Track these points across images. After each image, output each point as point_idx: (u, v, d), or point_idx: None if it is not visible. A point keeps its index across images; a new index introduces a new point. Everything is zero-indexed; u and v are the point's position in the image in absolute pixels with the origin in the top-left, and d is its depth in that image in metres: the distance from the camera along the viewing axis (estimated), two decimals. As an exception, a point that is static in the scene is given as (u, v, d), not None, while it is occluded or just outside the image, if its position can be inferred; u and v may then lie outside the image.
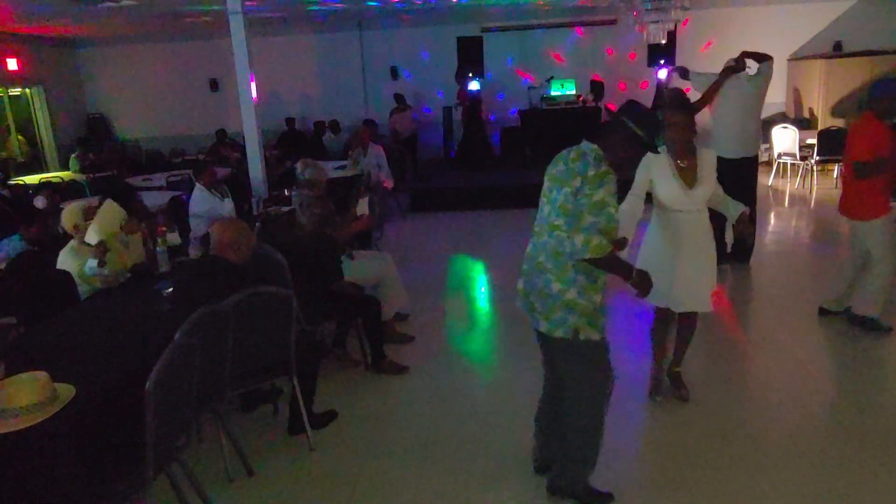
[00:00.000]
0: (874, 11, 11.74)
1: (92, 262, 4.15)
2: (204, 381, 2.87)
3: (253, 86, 7.55)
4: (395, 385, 4.36)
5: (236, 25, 7.35)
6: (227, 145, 11.64)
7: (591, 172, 2.57)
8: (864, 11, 11.80)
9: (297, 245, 4.28)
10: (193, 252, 4.87)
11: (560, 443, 2.96)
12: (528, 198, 10.02)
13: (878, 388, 4.05)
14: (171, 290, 3.82)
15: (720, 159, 5.89)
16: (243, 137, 7.87)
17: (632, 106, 2.74)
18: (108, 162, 11.13)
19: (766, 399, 3.90)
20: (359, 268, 4.79)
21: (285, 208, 6.38)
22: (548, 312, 2.71)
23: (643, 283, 2.77)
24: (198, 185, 6.44)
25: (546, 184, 2.80)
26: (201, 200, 6.30)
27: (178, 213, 6.72)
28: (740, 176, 5.96)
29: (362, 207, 5.26)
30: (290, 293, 3.43)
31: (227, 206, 6.37)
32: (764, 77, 5.99)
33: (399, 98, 12.27)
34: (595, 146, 2.68)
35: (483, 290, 6.57)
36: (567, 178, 2.64)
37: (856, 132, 4.56)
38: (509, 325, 5.27)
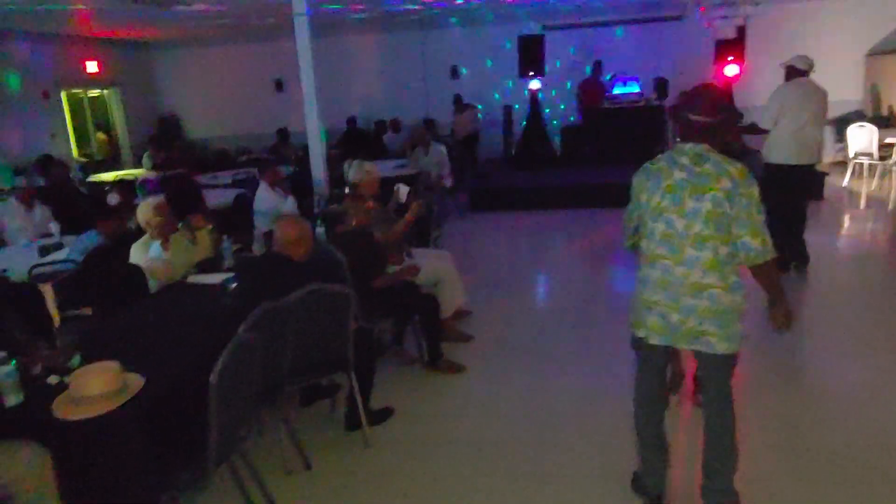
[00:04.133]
0: (962, 2, 11.07)
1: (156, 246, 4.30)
2: (265, 375, 2.94)
3: (316, 86, 7.68)
4: (451, 384, 4.36)
5: (300, 27, 7.50)
6: (288, 145, 11.90)
7: (732, 169, 2.50)
8: (951, 2, 11.16)
9: (338, 243, 4.31)
10: (257, 248, 5.00)
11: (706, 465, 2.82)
12: (589, 198, 9.94)
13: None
14: (235, 285, 3.93)
15: (778, 166, 5.66)
16: (306, 136, 8.02)
17: (715, 100, 2.61)
18: (178, 160, 11.52)
19: (831, 410, 3.74)
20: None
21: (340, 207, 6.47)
22: (725, 329, 2.57)
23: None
24: (262, 183, 6.60)
25: (661, 198, 2.59)
26: (265, 198, 6.46)
27: (243, 210, 6.91)
28: (794, 183, 5.75)
29: (401, 195, 5.13)
30: (348, 291, 3.47)
31: (290, 204, 6.51)
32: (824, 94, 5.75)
33: (457, 99, 12.23)
34: (702, 145, 2.57)
35: (542, 290, 6.51)
36: (706, 183, 2.50)
37: None
38: (569, 327, 5.21)
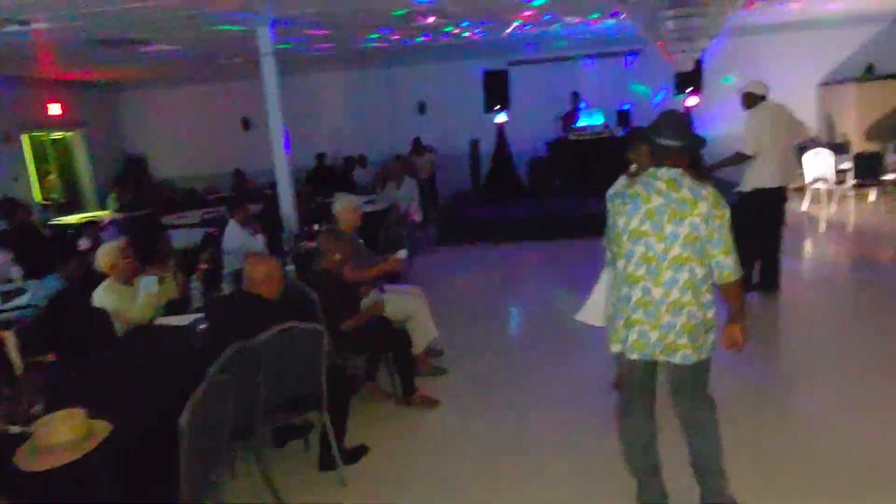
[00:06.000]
0: (907, 33, 11.60)
1: (150, 280, 4.27)
2: (236, 417, 2.89)
3: (282, 125, 7.70)
4: (426, 419, 4.33)
5: (267, 66, 7.55)
6: (244, 184, 11.89)
7: (704, 192, 2.64)
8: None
9: (310, 281, 4.29)
10: (227, 287, 4.94)
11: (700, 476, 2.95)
12: (557, 229, 9.99)
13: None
14: (204, 326, 3.87)
15: (762, 190, 5.74)
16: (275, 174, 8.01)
17: (678, 127, 2.75)
18: (145, 201, 11.39)
19: (801, 431, 3.79)
20: (389, 302, 4.80)
21: (314, 244, 6.44)
22: (697, 341, 2.71)
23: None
24: (231, 221, 6.55)
25: (640, 223, 2.68)
26: (234, 237, 6.40)
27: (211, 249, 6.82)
28: (774, 205, 5.87)
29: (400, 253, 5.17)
30: (320, 329, 3.45)
31: (259, 242, 6.46)
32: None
33: (416, 141, 12.26)
34: (676, 169, 2.69)
35: (514, 322, 6.52)
36: (684, 208, 2.63)
37: None
38: (542, 358, 5.21)
